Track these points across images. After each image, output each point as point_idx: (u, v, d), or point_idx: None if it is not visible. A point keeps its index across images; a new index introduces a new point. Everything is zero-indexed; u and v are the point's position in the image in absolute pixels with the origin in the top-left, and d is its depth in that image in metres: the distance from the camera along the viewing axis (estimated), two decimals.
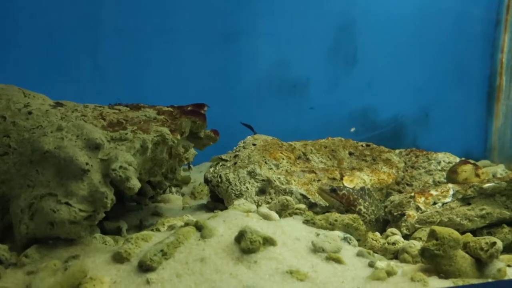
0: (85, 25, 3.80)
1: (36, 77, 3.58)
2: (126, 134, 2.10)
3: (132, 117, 2.30)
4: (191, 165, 3.91)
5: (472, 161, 2.97)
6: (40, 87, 2.60)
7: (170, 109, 2.48)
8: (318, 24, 4.18)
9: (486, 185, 2.41)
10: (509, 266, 2.05)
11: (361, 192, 2.58)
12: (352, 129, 4.29)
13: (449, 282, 1.83)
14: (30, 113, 2.20)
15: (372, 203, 2.58)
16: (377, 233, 2.39)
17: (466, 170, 2.63)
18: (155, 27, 3.91)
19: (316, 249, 1.93)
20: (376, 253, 2.19)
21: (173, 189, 3.35)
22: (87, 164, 1.93)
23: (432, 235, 1.92)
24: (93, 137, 2.01)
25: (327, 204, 2.57)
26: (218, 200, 2.87)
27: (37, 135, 2.08)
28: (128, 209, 2.80)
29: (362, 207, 2.51)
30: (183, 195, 3.32)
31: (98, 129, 2.08)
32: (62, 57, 3.77)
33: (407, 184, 3.16)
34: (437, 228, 1.92)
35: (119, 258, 1.81)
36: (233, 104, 4.07)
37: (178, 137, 2.26)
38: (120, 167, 1.94)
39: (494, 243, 1.89)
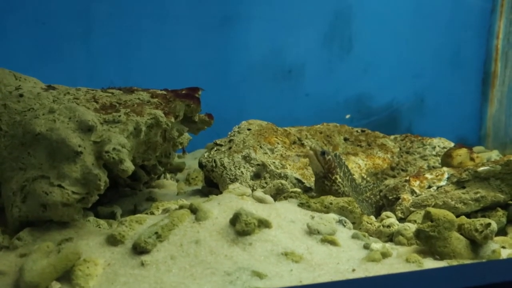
0: (77, 9, 3.74)
1: (29, 63, 3.54)
2: (119, 116, 2.07)
3: (126, 100, 2.27)
4: (186, 151, 3.89)
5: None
6: (32, 73, 2.57)
7: (164, 92, 2.45)
8: (314, 9, 4.14)
9: (481, 168, 2.41)
10: (503, 247, 2.06)
11: (338, 160, 2.54)
12: (348, 116, 4.28)
13: (443, 264, 1.83)
14: (21, 95, 2.17)
15: (345, 177, 2.56)
16: (372, 217, 2.39)
17: (461, 154, 2.63)
18: (149, 12, 3.86)
19: (311, 231, 1.93)
20: (371, 236, 2.20)
21: (168, 175, 3.34)
22: (79, 146, 1.91)
23: (427, 216, 1.92)
24: (85, 119, 1.98)
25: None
26: (212, 185, 2.85)
27: (28, 117, 2.05)
28: (123, 194, 2.78)
29: (338, 177, 2.47)
30: (177, 181, 3.30)
31: (90, 112, 2.05)
32: (54, 42, 3.72)
33: (402, 170, 3.15)
34: (432, 210, 1.92)
35: (113, 241, 1.80)
36: (228, 90, 4.04)
37: (172, 120, 2.24)
38: (113, 149, 1.92)
39: (489, 224, 1.90)
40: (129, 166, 1.93)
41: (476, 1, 4.28)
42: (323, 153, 2.45)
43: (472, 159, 2.63)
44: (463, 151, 2.65)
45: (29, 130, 1.98)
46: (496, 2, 4.21)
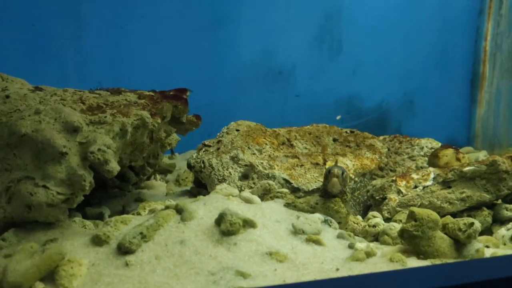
0: (67, 11, 3.75)
1: (19, 64, 3.53)
2: (105, 117, 2.08)
3: (112, 101, 2.28)
4: (175, 152, 3.90)
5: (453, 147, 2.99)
6: (23, 74, 2.56)
7: (151, 93, 2.46)
8: (304, 11, 4.17)
9: (466, 168, 2.43)
10: (487, 246, 2.08)
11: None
12: (338, 117, 4.30)
13: (427, 263, 1.84)
14: (7, 97, 2.17)
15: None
16: (359, 217, 2.40)
17: (447, 154, 2.65)
18: (139, 13, 3.87)
19: (296, 231, 1.94)
20: (357, 235, 2.21)
21: (158, 176, 3.34)
22: (64, 147, 1.91)
23: (411, 216, 1.93)
24: (71, 120, 1.98)
25: (309, 189, 2.56)
26: (201, 186, 2.86)
27: (14, 118, 2.04)
28: (111, 195, 2.77)
29: (347, 188, 2.34)
30: (167, 182, 3.31)
31: (76, 112, 2.05)
32: (44, 44, 3.72)
33: (391, 170, 3.17)
34: (416, 209, 1.93)
35: (98, 241, 1.80)
36: (218, 91, 4.05)
37: (159, 121, 2.25)
38: (99, 149, 1.92)
39: (472, 224, 1.91)
40: (114, 167, 1.94)
41: (464, 3, 4.32)
42: (343, 172, 2.23)
43: (458, 159, 2.65)
44: (450, 151, 2.67)
45: (15, 131, 1.98)
46: (484, 4, 4.25)
